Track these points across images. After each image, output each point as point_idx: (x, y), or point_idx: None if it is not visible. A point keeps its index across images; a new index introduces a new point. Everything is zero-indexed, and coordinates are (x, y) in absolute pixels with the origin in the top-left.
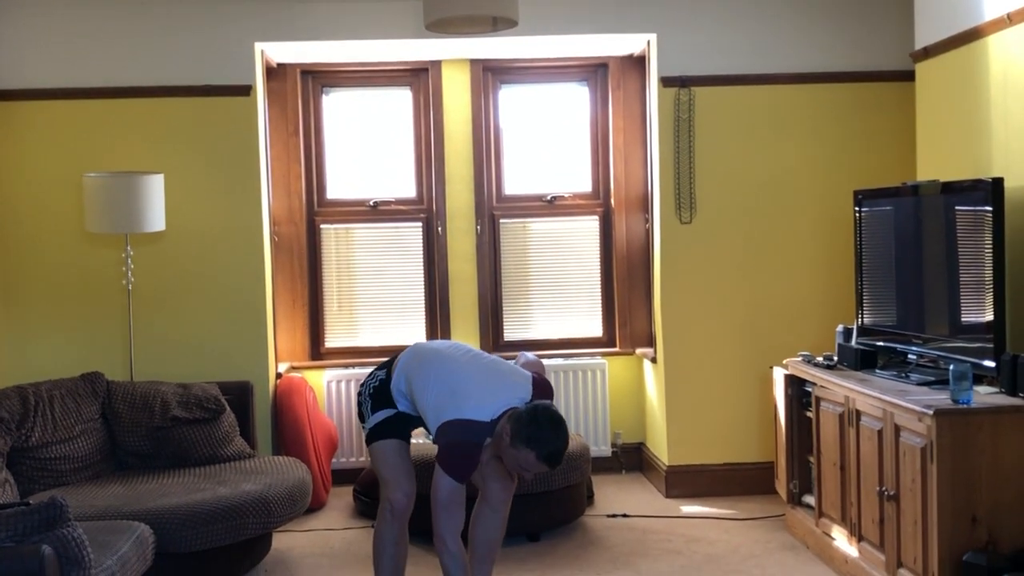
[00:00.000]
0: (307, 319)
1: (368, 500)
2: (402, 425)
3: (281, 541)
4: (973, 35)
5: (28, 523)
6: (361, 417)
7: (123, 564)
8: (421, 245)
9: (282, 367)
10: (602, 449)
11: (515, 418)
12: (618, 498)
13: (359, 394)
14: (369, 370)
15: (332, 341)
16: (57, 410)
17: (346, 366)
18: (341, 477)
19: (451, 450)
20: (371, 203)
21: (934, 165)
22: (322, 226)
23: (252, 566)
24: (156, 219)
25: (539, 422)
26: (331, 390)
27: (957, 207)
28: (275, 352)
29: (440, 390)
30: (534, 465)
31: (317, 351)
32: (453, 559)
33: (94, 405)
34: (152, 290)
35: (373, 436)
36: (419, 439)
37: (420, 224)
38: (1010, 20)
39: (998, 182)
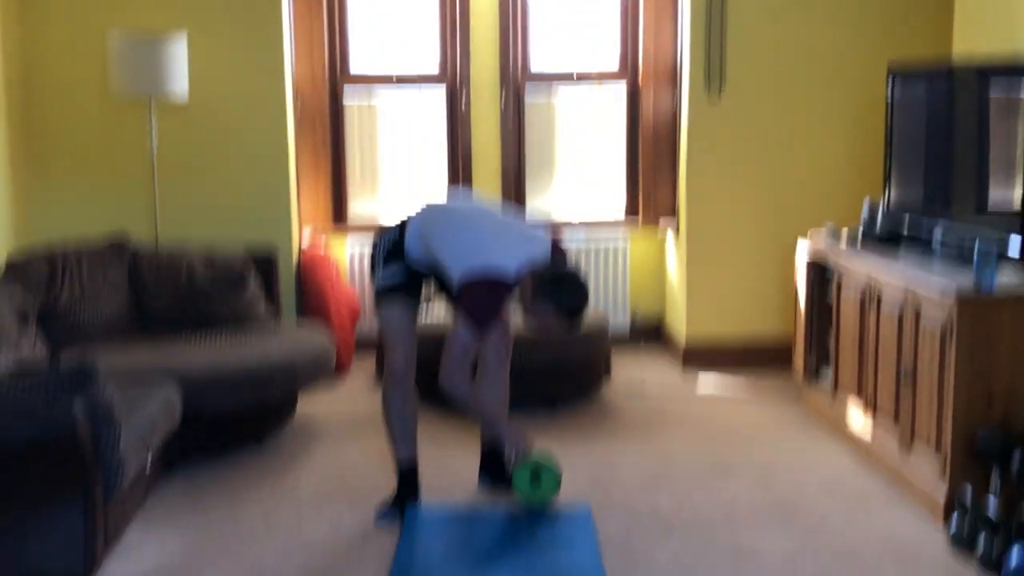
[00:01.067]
0: (330, 187)
1: None
2: (412, 285)
3: (306, 406)
4: None
5: (58, 383)
6: (373, 272)
7: (152, 424)
8: (445, 114)
9: (306, 235)
10: (621, 323)
11: (539, 275)
12: (636, 371)
13: (372, 254)
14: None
15: (355, 209)
16: (84, 272)
17: (369, 234)
18: (364, 345)
19: (476, 292)
20: (395, 71)
21: (971, 38)
22: (346, 94)
23: (277, 428)
24: (180, 82)
25: (562, 279)
26: (354, 258)
27: (992, 86)
28: (299, 220)
29: (463, 242)
30: (556, 320)
31: (340, 219)
32: (464, 395)
33: (121, 268)
34: (176, 156)
35: (381, 296)
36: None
37: (444, 95)
38: None
39: None
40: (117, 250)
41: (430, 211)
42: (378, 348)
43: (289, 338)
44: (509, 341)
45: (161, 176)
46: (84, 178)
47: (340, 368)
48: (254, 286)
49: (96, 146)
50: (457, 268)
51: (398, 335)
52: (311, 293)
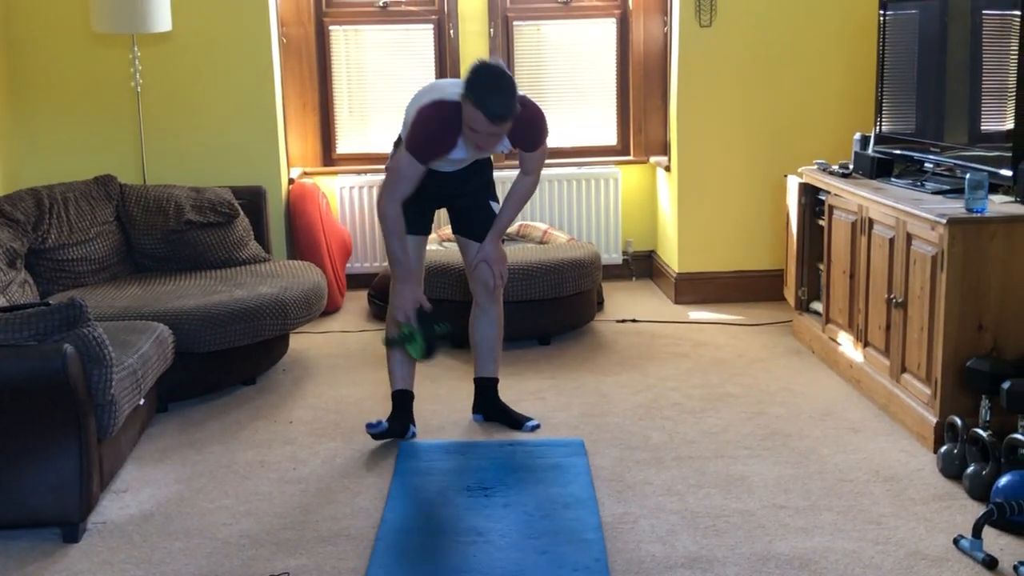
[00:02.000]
0: (318, 123)
1: (382, 304)
2: (422, 215)
3: (298, 342)
4: None
5: (49, 322)
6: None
7: (144, 362)
8: (433, 48)
9: (294, 172)
10: (613, 257)
11: (465, 79)
12: (628, 304)
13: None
14: (382, 177)
15: (343, 147)
16: (72, 212)
17: (358, 172)
18: (355, 282)
19: (415, 118)
20: (381, 3)
21: None
22: (331, 28)
23: (270, 366)
24: (162, 18)
25: (482, 75)
26: (344, 196)
27: (984, 11)
28: (287, 157)
29: (416, 97)
30: (484, 125)
31: (329, 157)
32: (387, 218)
33: (108, 208)
34: (161, 93)
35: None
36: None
37: (432, 27)
38: None
39: None
40: (104, 189)
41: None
42: (369, 289)
43: (279, 275)
44: (501, 276)
45: (146, 115)
46: (69, 118)
47: (332, 304)
48: (243, 224)
49: (80, 85)
50: (408, 117)
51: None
52: (301, 230)
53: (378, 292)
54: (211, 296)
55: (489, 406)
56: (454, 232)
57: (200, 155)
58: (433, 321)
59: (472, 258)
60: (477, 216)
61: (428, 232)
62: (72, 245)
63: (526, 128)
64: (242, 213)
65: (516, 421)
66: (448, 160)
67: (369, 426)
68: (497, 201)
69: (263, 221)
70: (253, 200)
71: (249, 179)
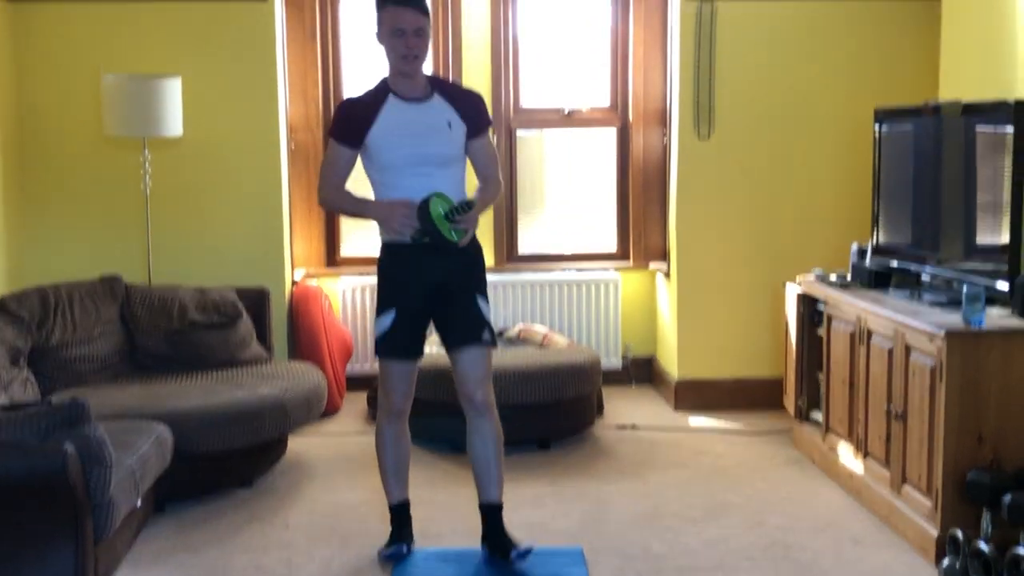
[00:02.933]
0: (323, 226)
1: None
2: (411, 334)
3: (297, 444)
4: None
5: (50, 421)
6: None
7: (143, 463)
8: None
9: (298, 274)
10: (613, 362)
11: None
12: (628, 410)
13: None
14: None
15: (348, 249)
16: (77, 311)
17: (361, 274)
18: (355, 383)
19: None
20: None
21: (957, 84)
22: None
23: (268, 468)
24: (174, 123)
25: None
26: (346, 298)
27: (978, 128)
28: (291, 259)
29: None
30: (406, 16)
31: (333, 258)
32: (327, 200)
33: (113, 307)
34: (170, 195)
35: (379, 349)
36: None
37: None
38: None
39: (1021, 104)
40: (110, 289)
41: None
42: (371, 389)
43: (281, 377)
44: (488, 386)
45: (154, 216)
46: (78, 218)
47: (331, 406)
48: (246, 325)
49: (90, 186)
50: None
51: (395, 384)
52: (303, 331)
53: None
54: (212, 397)
55: (491, 535)
56: (444, 345)
57: (206, 256)
58: (438, 207)
59: (458, 375)
60: (465, 322)
61: (420, 355)
62: (75, 344)
63: (469, 99)
64: (245, 314)
65: (506, 550)
66: (396, 135)
67: (381, 556)
68: (487, 300)
69: (266, 322)
70: (257, 301)
71: (254, 280)
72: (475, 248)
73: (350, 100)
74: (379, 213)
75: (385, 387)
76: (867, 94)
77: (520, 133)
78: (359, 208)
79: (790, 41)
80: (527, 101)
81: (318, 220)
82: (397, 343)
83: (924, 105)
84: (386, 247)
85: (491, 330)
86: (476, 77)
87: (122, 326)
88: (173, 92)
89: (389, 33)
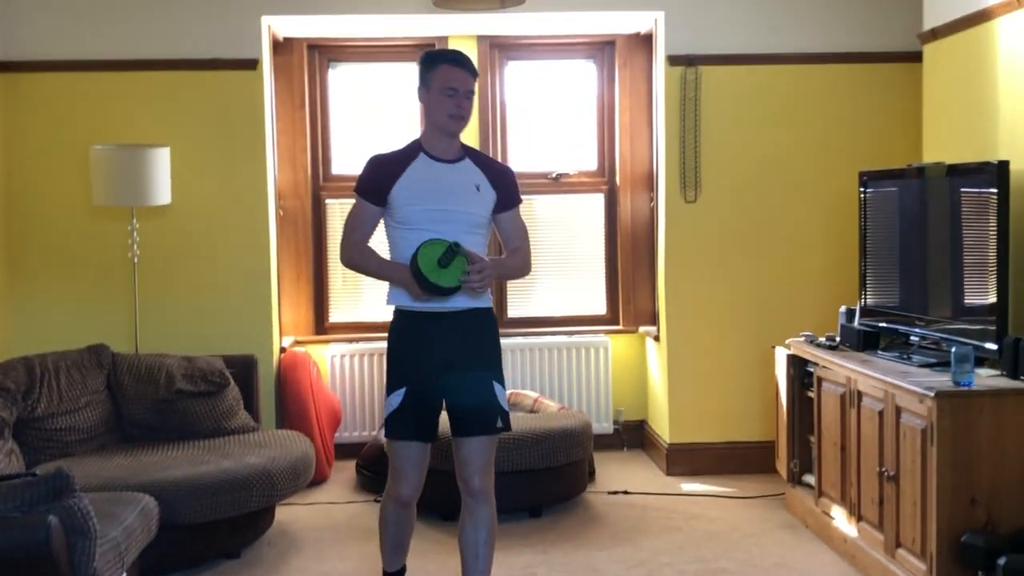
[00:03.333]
0: (312, 293)
1: (371, 474)
2: (422, 414)
3: (284, 514)
4: (981, 17)
5: (34, 493)
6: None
7: (128, 535)
8: None
9: (286, 341)
10: (604, 426)
11: (420, 64)
12: (619, 475)
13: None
14: (374, 345)
15: (336, 315)
16: (63, 381)
17: (350, 341)
18: (344, 451)
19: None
20: None
21: (940, 147)
22: (327, 200)
23: (255, 539)
24: (162, 192)
25: (430, 51)
26: (335, 364)
27: (962, 189)
28: (279, 326)
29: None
30: (457, 75)
31: (321, 325)
32: (351, 260)
33: (99, 377)
34: (158, 263)
35: (389, 430)
36: None
37: None
38: (1019, 2)
39: (1004, 165)
40: (97, 358)
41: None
42: (358, 459)
43: (268, 445)
44: (489, 472)
45: (142, 284)
46: (65, 287)
47: (320, 474)
48: (233, 393)
49: (77, 255)
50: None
51: (406, 467)
52: (291, 398)
53: (367, 462)
54: (198, 467)
55: None
56: (452, 428)
57: (194, 324)
58: (428, 253)
59: (459, 459)
60: (479, 410)
61: (432, 437)
62: (61, 414)
63: (503, 171)
64: (232, 382)
65: None
66: (420, 190)
67: None
68: (503, 382)
69: (253, 390)
70: (244, 369)
71: (241, 348)
72: (488, 319)
73: (379, 155)
74: (403, 276)
75: (394, 472)
76: (851, 157)
77: None
78: (382, 269)
79: (774, 105)
80: (515, 166)
81: (306, 286)
82: (408, 423)
83: (908, 167)
84: (399, 314)
85: (505, 416)
86: (464, 142)
87: (108, 396)
88: (161, 161)
89: (440, 91)
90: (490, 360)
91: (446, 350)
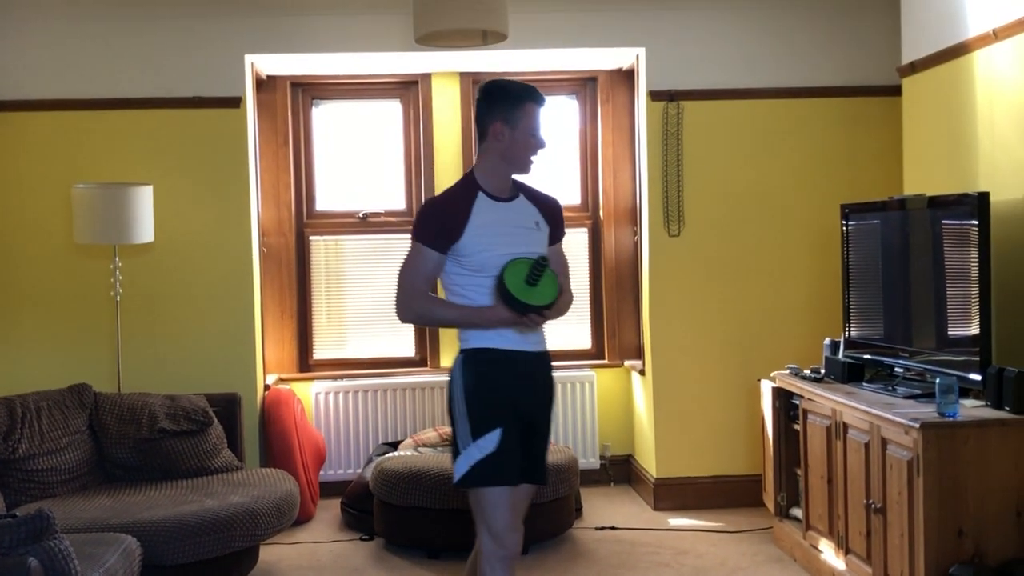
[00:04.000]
0: (295, 331)
1: (356, 513)
2: (521, 452)
3: (268, 554)
4: (959, 50)
5: (15, 535)
6: (454, 440)
7: None
8: None
9: (270, 379)
10: (590, 461)
11: (488, 100)
12: (606, 510)
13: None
14: (358, 382)
15: (320, 352)
16: (44, 422)
17: (334, 378)
18: (329, 489)
19: (417, 214)
20: (361, 215)
21: (921, 179)
22: (311, 237)
23: None
24: (145, 230)
25: (498, 83)
26: (319, 402)
27: (943, 221)
28: (263, 364)
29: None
30: (535, 115)
31: (305, 363)
32: (412, 310)
33: (81, 417)
34: (140, 301)
35: (481, 478)
36: (408, 451)
37: (409, 236)
38: (996, 36)
39: (984, 196)
40: (79, 398)
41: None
42: (343, 497)
43: (252, 484)
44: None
45: (124, 322)
46: (47, 326)
47: (304, 513)
48: (217, 432)
49: (59, 294)
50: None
51: (511, 518)
52: (275, 436)
53: (352, 500)
54: (181, 507)
55: None
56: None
57: (177, 362)
58: (512, 275)
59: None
60: (541, 458)
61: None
62: (42, 455)
63: (552, 204)
64: (216, 421)
65: None
66: (489, 234)
67: None
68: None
69: (237, 428)
70: (228, 407)
71: (225, 386)
72: (551, 367)
73: (437, 201)
74: (493, 317)
75: (495, 527)
76: (833, 190)
77: None
78: (467, 317)
79: (756, 139)
80: None
81: (290, 323)
82: (508, 466)
83: (890, 200)
84: (477, 357)
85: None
86: (447, 178)
87: (91, 436)
88: (144, 199)
89: (527, 130)
90: (553, 408)
91: (528, 393)
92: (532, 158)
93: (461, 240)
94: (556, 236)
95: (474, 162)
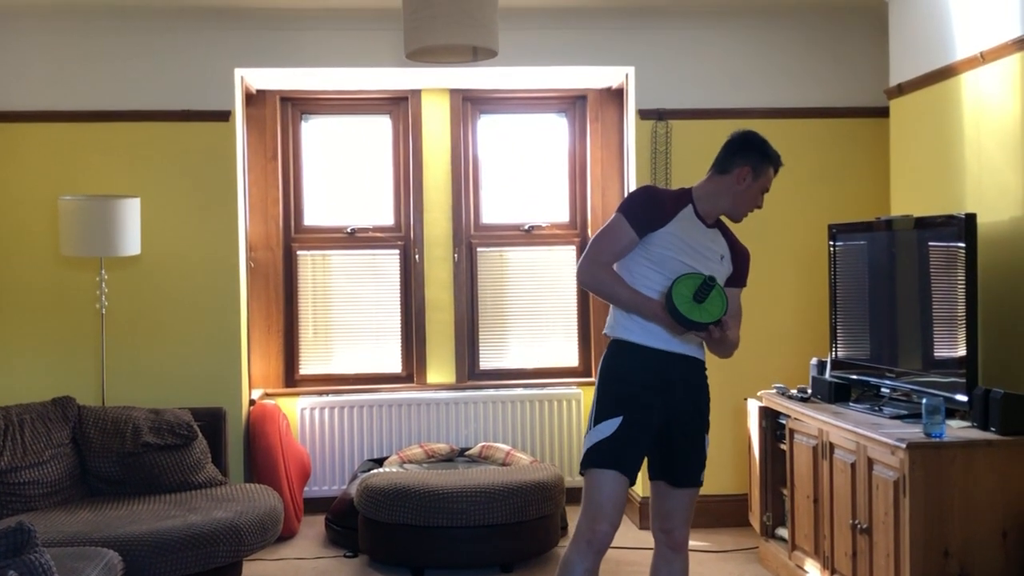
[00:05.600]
0: (282, 345)
1: (340, 529)
2: (635, 449)
3: (252, 570)
4: (947, 73)
5: None
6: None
7: None
8: (398, 272)
9: (256, 393)
10: (576, 479)
11: (740, 147)
12: None
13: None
14: (344, 398)
15: (306, 368)
16: (27, 434)
17: (320, 393)
18: (313, 506)
19: (630, 194)
20: (349, 230)
21: (907, 201)
22: (299, 252)
23: None
24: (131, 243)
25: (752, 138)
26: (304, 417)
27: (930, 242)
28: (249, 378)
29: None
30: (772, 179)
31: (291, 378)
32: (593, 281)
33: (65, 429)
34: (126, 314)
35: (594, 459)
36: (394, 467)
37: (397, 251)
38: (983, 58)
39: (971, 218)
40: (62, 411)
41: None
42: (327, 513)
43: (236, 499)
44: (689, 525)
45: (110, 335)
46: (32, 338)
47: (288, 529)
48: (201, 446)
49: (45, 306)
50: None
51: (610, 504)
52: (260, 452)
53: (336, 517)
54: (164, 521)
55: None
56: (652, 477)
57: (162, 376)
58: (680, 290)
59: (663, 509)
60: (692, 462)
61: (633, 479)
62: (25, 468)
63: (743, 251)
64: (200, 435)
65: None
66: (683, 240)
67: None
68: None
69: (222, 443)
70: (212, 422)
71: (210, 400)
72: (702, 372)
73: (653, 188)
74: (653, 310)
75: (592, 509)
76: (820, 210)
77: (480, 250)
78: (634, 300)
79: None
80: (488, 218)
81: (277, 338)
82: (621, 453)
83: (877, 220)
84: (622, 346)
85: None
86: (437, 194)
87: (74, 449)
88: (131, 212)
89: (762, 188)
90: (705, 417)
91: (663, 391)
92: (749, 212)
93: (658, 231)
94: (737, 281)
95: (697, 183)
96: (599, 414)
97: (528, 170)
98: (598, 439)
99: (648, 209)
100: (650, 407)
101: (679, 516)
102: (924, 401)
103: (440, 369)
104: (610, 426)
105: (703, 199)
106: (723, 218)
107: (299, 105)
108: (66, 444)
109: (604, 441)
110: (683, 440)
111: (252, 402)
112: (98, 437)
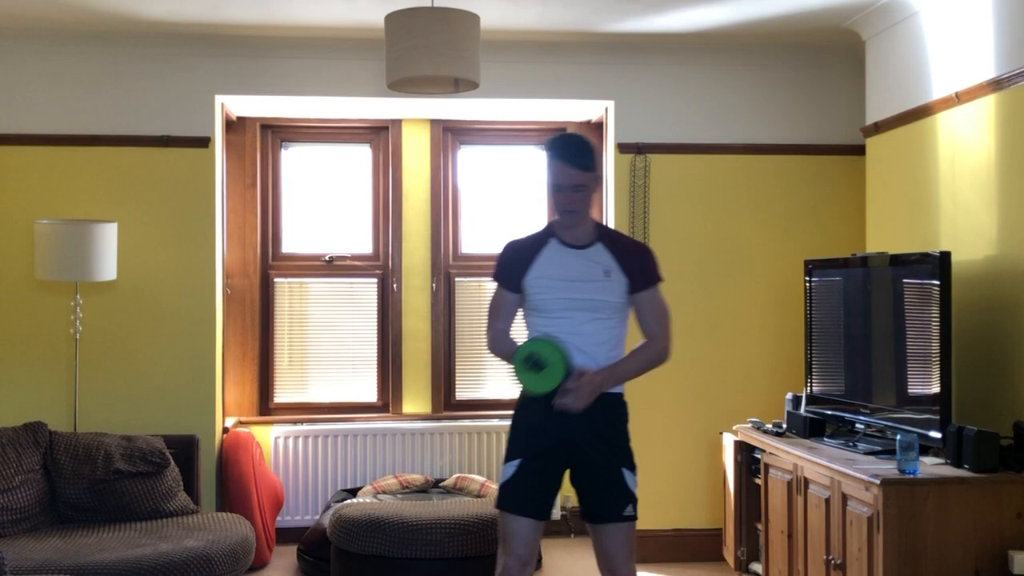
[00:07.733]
0: (257, 373)
1: (312, 560)
2: (535, 488)
3: None
4: (922, 112)
5: None
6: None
7: None
8: (376, 302)
9: (229, 421)
10: (552, 513)
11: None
12: (566, 563)
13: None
14: (319, 427)
15: (281, 396)
16: None
17: (294, 422)
18: (285, 536)
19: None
20: (327, 258)
21: (883, 238)
22: (276, 280)
23: None
24: (108, 268)
25: (557, 137)
26: (278, 446)
27: (905, 280)
28: (223, 406)
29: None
30: (563, 173)
31: (266, 406)
32: (496, 351)
33: (35, 455)
34: (100, 339)
35: (500, 500)
36: (368, 497)
37: (375, 280)
38: (958, 99)
39: (946, 256)
40: (33, 436)
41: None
42: (299, 543)
43: (207, 528)
44: (633, 561)
45: (83, 361)
46: (3, 362)
47: (259, 559)
48: (173, 474)
49: (17, 330)
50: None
51: (516, 539)
52: (233, 480)
53: (309, 547)
54: (134, 550)
55: None
56: (581, 518)
57: (135, 402)
58: (524, 350)
59: (599, 548)
60: (609, 496)
61: (545, 516)
62: None
63: (635, 252)
64: (172, 462)
65: None
66: (550, 277)
67: None
68: (634, 469)
69: (194, 470)
70: (185, 449)
71: (183, 427)
72: (611, 407)
73: (512, 243)
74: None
75: (503, 545)
76: (797, 245)
77: (459, 280)
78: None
79: (722, 194)
80: (466, 248)
81: (252, 366)
82: (519, 495)
83: (852, 257)
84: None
85: (635, 503)
86: (415, 225)
87: (44, 475)
88: (108, 237)
89: (551, 185)
90: (617, 450)
91: (574, 433)
92: (561, 210)
93: (526, 280)
94: (641, 284)
95: None
96: (506, 456)
97: (507, 201)
98: (502, 481)
99: (508, 265)
100: (548, 451)
101: (618, 554)
102: (898, 437)
103: (416, 399)
104: (510, 468)
105: (560, 224)
106: (612, 227)
107: (279, 132)
108: (36, 470)
109: (506, 483)
110: (595, 478)
111: (226, 430)
112: (69, 463)
